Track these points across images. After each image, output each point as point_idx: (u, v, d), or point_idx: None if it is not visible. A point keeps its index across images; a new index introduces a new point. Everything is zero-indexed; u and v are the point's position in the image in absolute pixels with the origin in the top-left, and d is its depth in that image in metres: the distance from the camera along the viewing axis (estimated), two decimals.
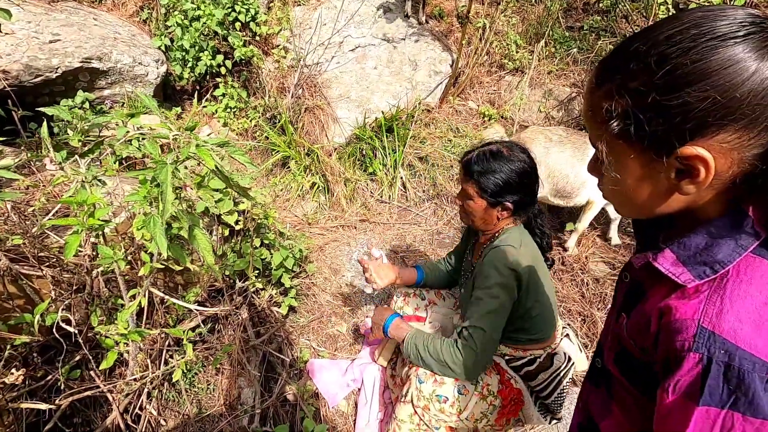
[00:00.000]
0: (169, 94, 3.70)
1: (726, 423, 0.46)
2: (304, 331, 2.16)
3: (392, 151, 3.10)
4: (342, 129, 3.18)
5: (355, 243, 2.79)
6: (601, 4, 4.27)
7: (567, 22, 4.50)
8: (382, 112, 3.12)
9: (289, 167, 3.16)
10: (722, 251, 0.50)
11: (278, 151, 3.09)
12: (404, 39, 3.61)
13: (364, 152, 3.05)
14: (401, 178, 3.12)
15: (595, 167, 0.62)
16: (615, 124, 0.52)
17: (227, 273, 1.61)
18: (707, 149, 0.47)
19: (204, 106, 3.55)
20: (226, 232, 1.53)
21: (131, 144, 2.25)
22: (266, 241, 1.74)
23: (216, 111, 3.42)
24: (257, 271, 1.81)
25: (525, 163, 1.33)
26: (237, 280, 1.76)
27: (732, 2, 2.47)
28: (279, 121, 3.15)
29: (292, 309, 2.25)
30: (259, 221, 1.58)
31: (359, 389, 1.86)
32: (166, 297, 1.13)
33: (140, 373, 1.18)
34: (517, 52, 3.77)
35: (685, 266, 0.53)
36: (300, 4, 3.80)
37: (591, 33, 4.11)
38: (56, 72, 2.61)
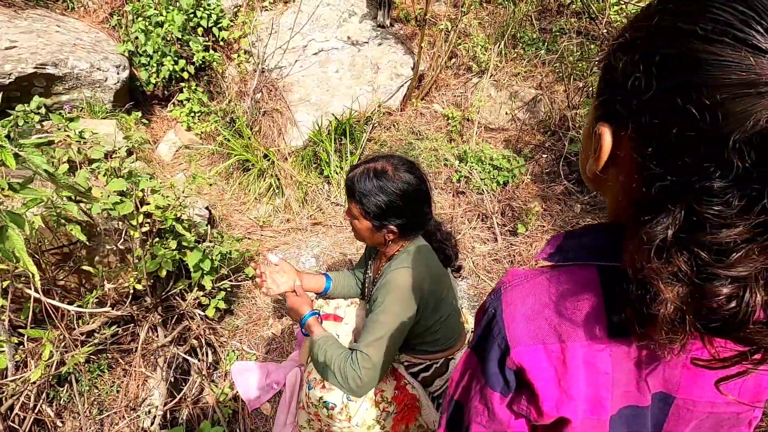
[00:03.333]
0: (139, 99, 3.74)
1: (469, 361, 0.53)
2: (237, 334, 2.16)
3: (349, 154, 3.10)
4: (300, 132, 3.19)
5: (306, 246, 2.79)
6: (574, 6, 4.25)
7: (541, 23, 4.48)
8: (334, 115, 3.12)
9: (247, 170, 3.17)
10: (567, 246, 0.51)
11: (235, 155, 3.10)
12: (368, 42, 3.62)
13: (319, 155, 3.06)
14: None
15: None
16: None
17: (141, 275, 1.62)
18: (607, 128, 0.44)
19: (170, 111, 3.59)
20: (137, 234, 1.53)
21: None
22: (185, 243, 1.74)
23: (180, 115, 3.45)
24: (177, 274, 1.81)
25: (410, 184, 1.22)
26: (157, 283, 1.77)
27: None
28: (236, 125, 3.17)
29: (228, 312, 2.25)
30: (168, 223, 1.58)
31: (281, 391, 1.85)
32: (44, 298, 1.13)
33: (15, 375, 1.19)
34: (483, 54, 3.76)
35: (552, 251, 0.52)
36: (267, 9, 3.83)
37: (561, 35, 4.08)
38: (9, 78, 2.65)
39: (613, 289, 0.43)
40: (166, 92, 3.73)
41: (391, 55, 3.57)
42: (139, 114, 3.36)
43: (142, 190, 1.54)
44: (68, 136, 2.22)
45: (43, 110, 2.85)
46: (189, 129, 3.44)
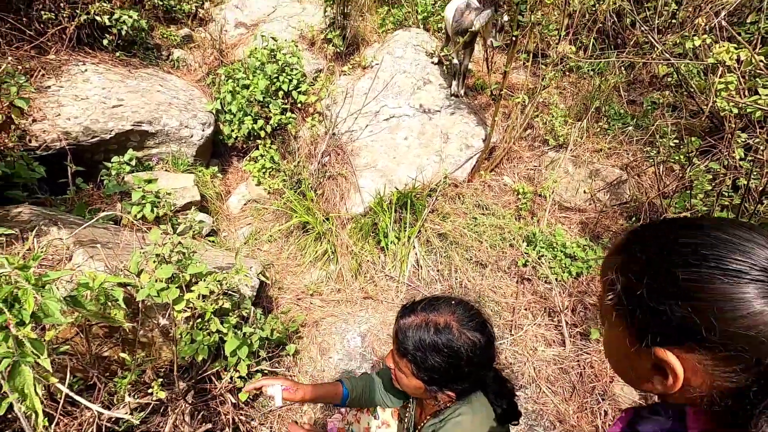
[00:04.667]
0: (220, 150, 4.00)
1: None
2: (269, 418, 2.05)
3: (409, 225, 2.99)
4: (362, 199, 3.16)
5: (353, 321, 2.67)
6: (670, 79, 3.91)
7: (629, 95, 4.18)
8: (396, 188, 3.05)
9: (307, 231, 3.18)
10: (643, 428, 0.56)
11: (297, 216, 3.13)
12: (440, 111, 3.58)
13: (377, 225, 2.98)
14: (415, 254, 2.98)
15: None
16: (610, 296, 0.55)
17: (181, 358, 1.59)
18: (680, 360, 0.49)
19: (244, 165, 3.77)
20: (179, 316, 1.51)
21: (146, 206, 2.41)
22: (227, 325, 1.70)
23: (252, 170, 3.61)
24: (215, 354, 1.76)
25: (478, 346, 1.00)
26: (193, 363, 1.73)
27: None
28: (301, 186, 3.23)
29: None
30: (207, 316, 1.55)
31: None
32: (64, 389, 1.11)
33: None
34: (562, 127, 3.54)
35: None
36: (345, 74, 3.98)
37: (653, 110, 3.75)
38: (110, 134, 2.94)
39: None
40: (244, 146, 3.95)
41: (462, 125, 3.48)
42: (215, 169, 3.56)
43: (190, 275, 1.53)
44: (143, 196, 2.36)
45: (133, 162, 3.12)
46: (259, 184, 3.57)
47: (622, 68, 4.03)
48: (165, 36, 4.36)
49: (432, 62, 3.92)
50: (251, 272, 2.40)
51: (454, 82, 3.63)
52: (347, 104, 3.61)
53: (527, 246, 2.94)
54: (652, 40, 3.44)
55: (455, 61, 3.51)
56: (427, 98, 3.66)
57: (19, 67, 3.06)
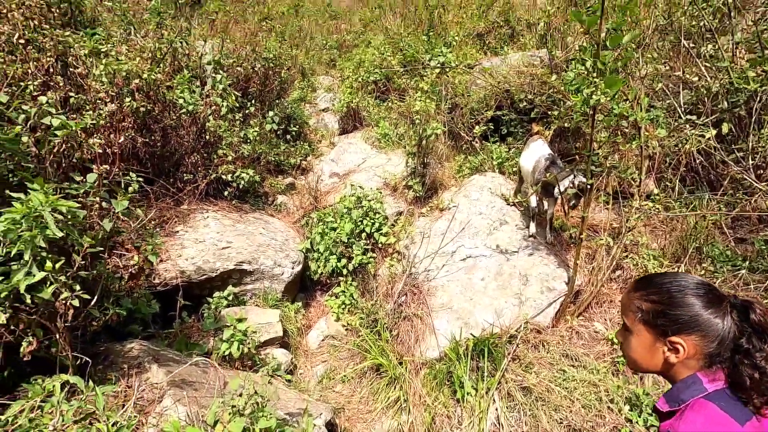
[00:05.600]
0: (306, 284, 4.31)
1: None
2: None
3: (487, 374, 2.78)
4: (437, 342, 3.07)
5: None
6: None
7: (735, 232, 3.80)
8: (472, 334, 2.93)
9: (380, 374, 3.10)
10: (684, 395, 0.94)
11: (371, 357, 3.11)
12: (517, 252, 3.56)
13: (452, 373, 2.82)
14: (495, 409, 2.70)
15: (622, 333, 1.08)
16: (640, 315, 1.01)
17: None
18: (684, 341, 0.94)
19: (326, 300, 3.97)
20: None
21: (233, 344, 2.59)
22: None
23: (333, 306, 3.77)
24: None
25: None
26: None
27: None
28: (377, 326, 3.26)
29: None
30: None
31: None
32: None
33: None
34: (659, 268, 3.26)
35: (667, 403, 0.98)
36: (424, 216, 4.25)
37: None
38: (216, 272, 3.37)
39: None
40: (328, 281, 4.21)
41: (542, 267, 3.39)
42: (300, 304, 3.79)
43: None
44: (233, 334, 2.55)
45: (230, 297, 3.46)
46: (338, 319, 3.69)
47: (721, 206, 3.77)
48: (273, 185, 5.17)
49: (508, 204, 4.05)
50: (320, 420, 2.34)
51: (532, 224, 3.67)
52: (425, 244, 3.78)
53: (630, 410, 2.52)
54: (752, 181, 3.24)
55: (532, 204, 3.60)
56: (503, 239, 3.70)
57: (160, 216, 3.80)
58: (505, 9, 7.12)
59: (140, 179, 3.25)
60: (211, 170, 4.25)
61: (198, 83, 4.52)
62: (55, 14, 3.90)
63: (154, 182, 4.03)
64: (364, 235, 3.90)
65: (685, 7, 4.16)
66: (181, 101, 3.97)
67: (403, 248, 3.92)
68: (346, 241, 3.82)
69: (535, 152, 3.60)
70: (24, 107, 1.79)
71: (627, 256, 3.50)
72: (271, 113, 5.17)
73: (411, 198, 4.39)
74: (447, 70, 4.81)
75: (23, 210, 1.48)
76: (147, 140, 3.74)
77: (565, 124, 3.93)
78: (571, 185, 3.15)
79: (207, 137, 4.27)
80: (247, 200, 4.70)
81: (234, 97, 4.48)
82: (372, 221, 3.92)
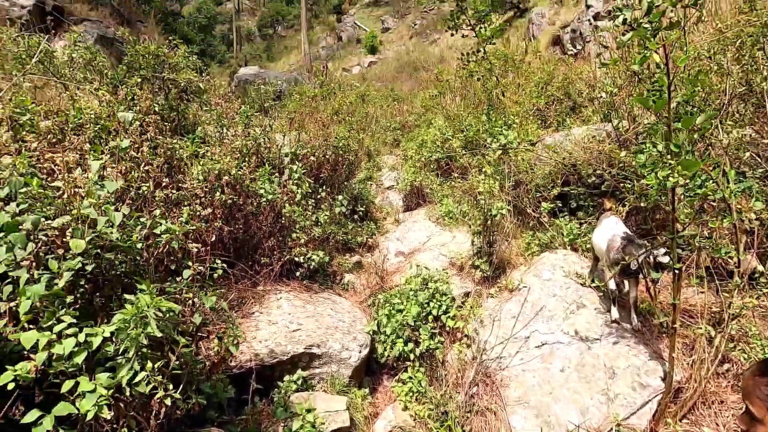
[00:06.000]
0: (373, 367, 4.24)
1: None
2: None
3: None
4: None
5: None
6: None
7: None
8: None
9: None
10: None
11: None
12: (599, 339, 3.27)
13: None
14: None
15: (745, 421, 1.01)
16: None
17: None
18: None
19: (393, 386, 3.85)
20: None
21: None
22: None
23: (400, 393, 3.64)
24: None
25: None
26: None
27: None
28: (447, 420, 3.07)
29: None
30: None
31: None
32: None
33: None
34: None
35: None
36: (492, 296, 4.11)
37: None
38: (287, 355, 3.46)
39: None
40: (395, 365, 4.11)
41: (631, 358, 3.06)
42: (366, 390, 3.71)
43: None
44: (302, 425, 2.54)
45: (300, 381, 3.49)
46: (405, 408, 3.53)
47: None
48: (341, 264, 5.35)
49: (584, 285, 3.81)
50: None
51: (613, 308, 3.38)
52: (495, 328, 3.61)
53: None
54: None
55: (611, 286, 3.35)
56: (582, 324, 3.43)
57: (239, 297, 4.06)
58: (564, 84, 7.25)
59: (224, 265, 3.56)
60: (285, 253, 4.54)
61: (276, 173, 5.01)
62: (167, 125, 4.66)
63: (235, 265, 4.37)
64: (431, 317, 3.83)
65: (765, 73, 3.96)
66: (262, 191, 4.40)
67: (472, 332, 3.77)
68: (412, 324, 3.78)
69: (609, 230, 3.42)
70: (141, 219, 2.13)
71: (735, 347, 3.06)
72: (340, 197, 5.51)
73: (478, 278, 4.29)
74: (509, 150, 4.88)
75: (133, 311, 1.69)
76: (231, 228, 4.13)
77: (641, 203, 3.73)
78: (652, 264, 2.91)
79: (283, 222, 4.62)
80: (316, 279, 4.89)
81: (307, 184, 4.88)
82: (439, 303, 3.86)
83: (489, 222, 4.26)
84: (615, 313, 3.37)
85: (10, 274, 1.77)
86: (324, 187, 5.46)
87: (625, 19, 4.19)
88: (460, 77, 8.39)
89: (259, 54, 28.92)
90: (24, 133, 2.72)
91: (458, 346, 3.59)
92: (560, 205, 4.74)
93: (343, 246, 5.74)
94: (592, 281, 3.77)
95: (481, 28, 6.37)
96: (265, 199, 4.39)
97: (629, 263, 3.05)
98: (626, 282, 3.39)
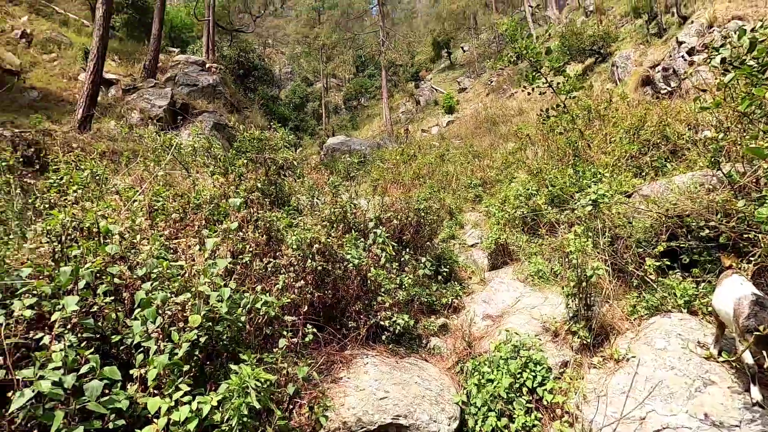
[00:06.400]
0: None
1: None
2: None
3: None
4: None
5: None
6: None
7: None
8: None
9: None
10: None
11: None
12: (738, 426, 2.73)
13: None
14: None
15: None
16: None
17: None
18: None
19: None
20: None
21: None
22: None
23: None
24: None
25: None
26: None
27: None
28: None
29: None
30: None
31: None
32: None
33: None
34: None
35: None
36: (595, 367, 3.70)
37: None
38: (374, 425, 3.41)
39: None
40: None
41: None
42: None
43: None
44: None
45: None
46: None
47: None
48: (426, 326, 5.27)
49: (709, 358, 3.27)
50: None
51: (753, 387, 2.83)
52: (602, 405, 3.21)
53: None
54: None
55: (748, 361, 2.84)
56: (713, 405, 2.91)
57: (327, 361, 4.17)
58: (660, 127, 6.75)
59: (314, 330, 3.73)
60: (371, 316, 4.62)
61: (361, 238, 5.26)
62: (267, 199, 5.24)
63: (324, 329, 4.54)
64: (525, 390, 3.54)
65: None
66: (349, 256, 4.63)
67: (574, 408, 3.39)
68: (505, 396, 3.52)
69: (734, 292, 2.97)
70: (245, 294, 2.40)
71: None
72: (423, 259, 5.56)
73: (577, 345, 3.92)
74: (599, 204, 4.59)
75: (237, 381, 1.85)
76: (321, 294, 4.36)
77: None
78: None
79: (368, 285, 4.76)
80: (402, 343, 4.85)
81: (391, 248, 5.02)
82: (533, 374, 3.58)
83: (584, 283, 3.94)
84: (756, 393, 2.82)
85: (143, 344, 2.07)
86: (407, 250, 5.57)
87: (723, 59, 3.90)
88: (541, 131, 8.27)
89: (345, 123, 31.55)
90: (158, 219, 3.26)
91: (559, 425, 3.24)
92: (668, 262, 4.24)
93: (427, 308, 5.67)
94: (719, 353, 3.23)
95: (558, 83, 6.32)
96: (351, 264, 4.59)
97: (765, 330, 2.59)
98: (766, 354, 2.85)
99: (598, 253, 4.35)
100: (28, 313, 2.02)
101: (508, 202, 6.95)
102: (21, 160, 5.76)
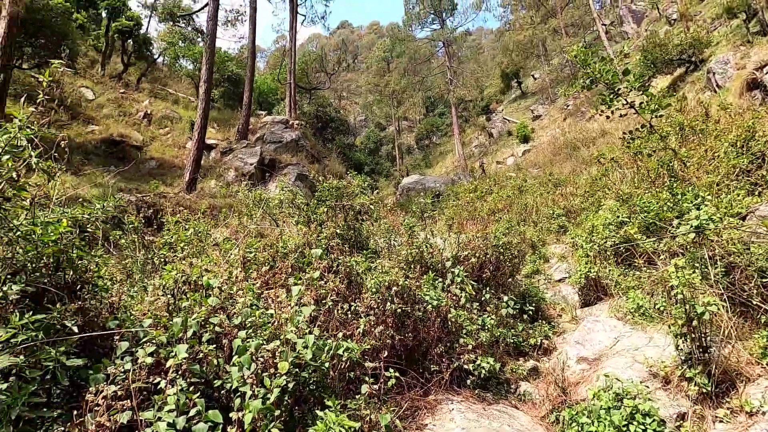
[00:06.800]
0: None
1: None
2: None
3: None
4: None
5: None
6: None
7: None
8: None
9: None
10: None
11: None
12: None
13: None
14: None
15: None
16: None
17: None
18: None
19: None
20: None
21: None
22: None
23: None
24: None
25: None
26: None
27: None
28: None
29: None
30: None
31: None
32: None
33: None
34: None
35: None
36: (722, 421, 3.18)
37: None
38: None
39: None
40: None
41: None
42: None
43: None
44: None
45: None
46: None
47: None
48: (513, 370, 4.96)
49: None
50: None
51: None
52: None
53: None
54: None
55: None
56: None
57: (411, 406, 4.10)
58: None
59: (396, 374, 3.73)
60: (454, 359, 4.49)
61: (439, 278, 5.22)
62: (346, 243, 5.50)
63: (407, 372, 4.50)
64: None
65: None
66: (427, 297, 4.61)
67: None
68: None
69: None
70: (327, 340, 2.54)
71: None
72: (506, 297, 5.34)
73: (694, 394, 3.41)
74: (705, 230, 4.09)
75: (323, 428, 1.93)
76: (401, 336, 4.37)
77: None
78: None
79: (449, 327, 4.67)
80: (489, 388, 4.61)
81: (470, 287, 4.91)
82: (642, 426, 3.17)
83: (695, 321, 3.47)
84: None
85: (240, 389, 2.25)
86: (488, 288, 5.39)
87: None
88: (627, 153, 7.70)
89: (418, 162, 32.21)
90: (251, 269, 3.60)
91: None
92: None
93: (514, 349, 5.36)
94: None
95: (641, 102, 5.90)
96: (431, 305, 4.56)
97: None
98: None
99: (710, 285, 3.83)
100: (149, 360, 2.34)
101: (597, 232, 6.46)
102: (143, 221, 6.76)
